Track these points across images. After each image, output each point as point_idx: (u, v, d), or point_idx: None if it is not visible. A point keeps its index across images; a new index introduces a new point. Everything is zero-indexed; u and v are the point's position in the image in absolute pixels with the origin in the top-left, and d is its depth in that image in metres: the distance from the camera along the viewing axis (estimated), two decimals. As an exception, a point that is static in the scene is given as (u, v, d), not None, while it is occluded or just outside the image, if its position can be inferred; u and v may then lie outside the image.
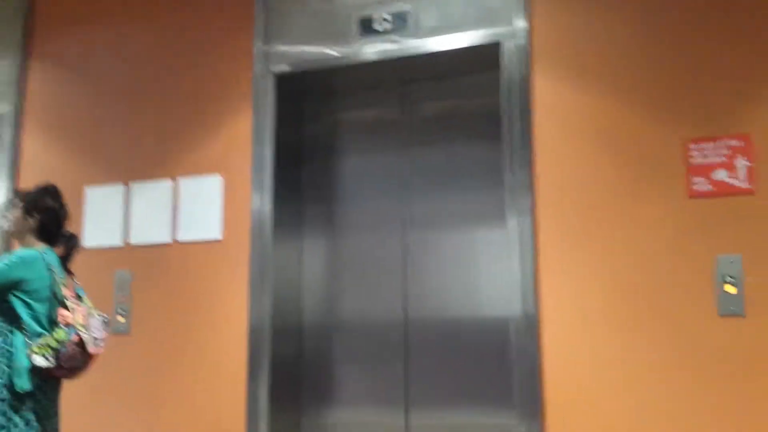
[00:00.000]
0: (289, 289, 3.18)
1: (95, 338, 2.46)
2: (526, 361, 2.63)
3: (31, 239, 2.56)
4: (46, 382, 2.42)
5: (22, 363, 2.34)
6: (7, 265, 2.40)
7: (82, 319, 2.44)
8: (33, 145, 3.59)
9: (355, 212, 3.24)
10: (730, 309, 2.46)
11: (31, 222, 2.54)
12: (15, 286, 2.40)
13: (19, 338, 2.38)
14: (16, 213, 2.56)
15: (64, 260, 2.59)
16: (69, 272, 2.60)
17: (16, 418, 2.32)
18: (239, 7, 3.30)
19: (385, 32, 3.05)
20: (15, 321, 2.41)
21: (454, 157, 3.13)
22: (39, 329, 2.41)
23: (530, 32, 2.84)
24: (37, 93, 3.64)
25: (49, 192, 2.61)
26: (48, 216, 2.56)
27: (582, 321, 2.62)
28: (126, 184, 3.37)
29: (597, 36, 2.76)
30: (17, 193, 2.63)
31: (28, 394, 2.35)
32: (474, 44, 2.92)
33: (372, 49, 3.05)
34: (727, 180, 2.55)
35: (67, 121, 3.54)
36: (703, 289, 2.50)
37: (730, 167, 2.55)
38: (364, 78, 3.25)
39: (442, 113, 3.19)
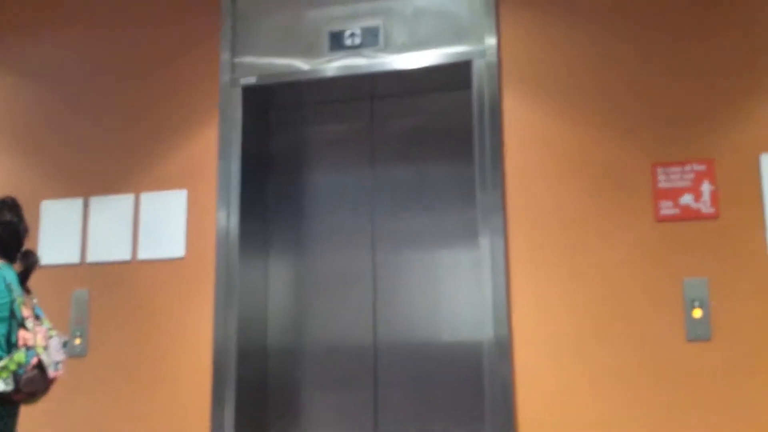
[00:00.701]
0: (254, 309, 3.09)
1: (55, 361, 2.34)
2: (499, 385, 2.61)
3: None
4: (3, 406, 2.28)
5: (-22, 386, 2.20)
6: None
7: (42, 340, 2.31)
8: (-16, 154, 3.40)
9: (323, 229, 3.18)
10: (697, 333, 2.49)
11: None
12: None
13: (-24, 362, 2.24)
14: None
15: (22, 278, 2.45)
16: (27, 290, 2.47)
17: (-29, 447, 2.19)
18: (206, 16, 3.20)
19: (355, 47, 3.00)
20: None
21: (423, 174, 3.11)
22: (-1, 352, 2.27)
23: (500, 51, 2.83)
24: (-12, 99, 3.45)
25: (7, 204, 2.47)
26: (6, 230, 2.41)
27: (553, 343, 2.62)
28: (85, 198, 3.22)
29: (566, 57, 2.78)
30: None
31: None
32: (444, 62, 2.90)
33: (341, 64, 3.00)
34: (693, 204, 2.59)
35: (23, 130, 3.37)
36: (672, 313, 2.53)
37: (695, 191, 2.59)
38: (332, 92, 3.20)
39: (411, 130, 3.17)
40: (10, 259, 2.44)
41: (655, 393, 2.50)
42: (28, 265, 2.47)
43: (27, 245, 2.53)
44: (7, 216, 2.44)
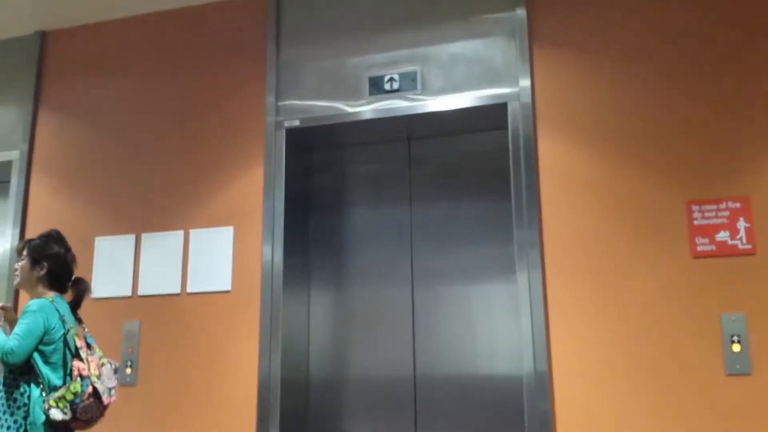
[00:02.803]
0: (296, 341, 3.10)
1: (109, 388, 2.37)
2: (538, 419, 2.57)
3: (41, 288, 2.47)
4: (60, 433, 2.31)
5: (38, 417, 2.24)
6: (31, 321, 2.30)
7: (95, 369, 2.35)
8: (41, 194, 3.50)
9: (363, 265, 3.20)
10: (737, 368, 2.43)
11: (39, 270, 2.44)
12: (41, 338, 2.30)
13: (35, 391, 2.28)
14: (23, 263, 2.46)
15: (73, 307, 2.49)
16: (79, 320, 2.51)
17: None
18: (251, 62, 3.29)
19: (394, 91, 3.06)
20: (31, 373, 2.30)
21: (460, 212, 3.12)
22: (56, 381, 2.31)
23: (533, 93, 2.86)
24: (46, 141, 3.57)
25: (53, 237, 2.54)
26: (56, 262, 2.48)
27: (592, 378, 2.58)
28: (137, 234, 3.28)
29: (599, 97, 2.80)
30: (22, 243, 2.54)
31: None
32: (480, 104, 2.93)
33: (380, 107, 3.05)
34: (729, 241, 2.56)
35: (78, 170, 3.47)
36: (710, 348, 2.49)
37: (731, 228, 2.56)
38: (372, 134, 3.25)
39: (448, 169, 3.19)
40: (62, 289, 2.49)
41: (695, 427, 2.44)
42: (78, 292, 2.51)
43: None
44: (55, 248, 2.49)
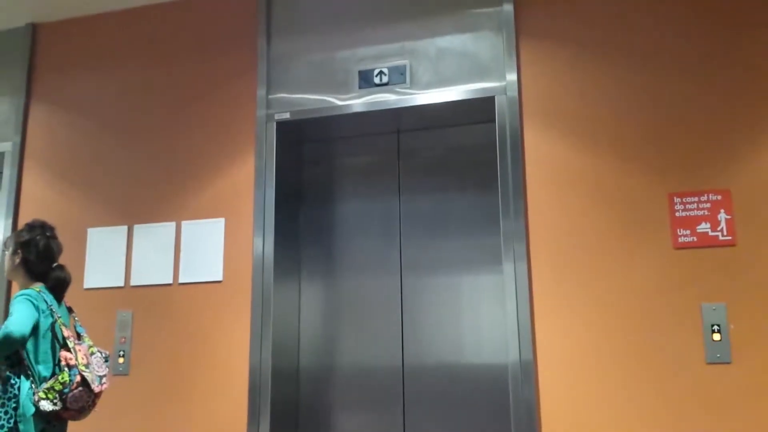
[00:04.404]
0: (287, 331, 3.09)
1: (99, 376, 2.33)
2: (523, 406, 2.57)
3: (24, 278, 2.42)
4: (51, 424, 2.28)
5: (28, 409, 2.21)
6: (20, 307, 2.25)
7: (83, 358, 2.31)
8: (34, 185, 3.46)
9: (352, 256, 3.18)
10: (717, 356, 2.44)
11: (17, 259, 2.40)
12: (37, 323, 2.25)
13: (25, 383, 2.24)
14: (8, 253, 2.42)
15: (57, 295, 2.43)
16: (69, 310, 2.47)
17: (24, 463, 2.19)
18: (242, 55, 3.26)
19: (383, 84, 3.03)
20: (20, 365, 2.26)
21: (448, 204, 3.11)
22: (44, 372, 2.27)
23: (520, 87, 2.84)
24: (38, 132, 3.52)
25: (35, 227, 2.46)
26: (33, 251, 2.40)
27: (576, 366, 2.58)
28: (129, 226, 3.25)
29: (584, 91, 2.79)
30: (10, 234, 2.49)
31: None
32: (467, 98, 2.92)
33: (370, 100, 3.03)
34: (710, 232, 2.56)
35: (70, 162, 3.43)
36: (692, 337, 2.49)
37: (712, 220, 2.56)
38: (361, 127, 3.23)
39: (436, 161, 3.17)
40: (45, 279, 2.42)
41: (677, 414, 2.45)
42: (56, 278, 2.42)
43: (74, 270, 2.53)
44: (30, 236, 2.41)
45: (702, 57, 2.68)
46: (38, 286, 2.38)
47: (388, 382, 3.01)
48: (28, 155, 3.50)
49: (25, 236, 2.42)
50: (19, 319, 2.21)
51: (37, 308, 2.28)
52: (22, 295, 2.31)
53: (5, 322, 2.25)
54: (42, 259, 2.42)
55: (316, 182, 3.31)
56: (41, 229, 2.46)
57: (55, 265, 2.46)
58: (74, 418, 2.31)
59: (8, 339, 2.17)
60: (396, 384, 3.01)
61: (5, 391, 2.25)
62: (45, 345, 2.31)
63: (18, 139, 3.51)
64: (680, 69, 2.70)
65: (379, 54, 3.07)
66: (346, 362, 3.09)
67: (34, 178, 3.46)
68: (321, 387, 3.10)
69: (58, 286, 2.44)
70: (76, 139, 3.45)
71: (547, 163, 2.77)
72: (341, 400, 3.06)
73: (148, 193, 3.27)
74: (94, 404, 2.33)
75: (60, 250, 2.49)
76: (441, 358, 2.98)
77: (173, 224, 3.18)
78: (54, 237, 2.48)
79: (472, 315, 2.97)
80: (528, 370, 2.60)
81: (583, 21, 2.84)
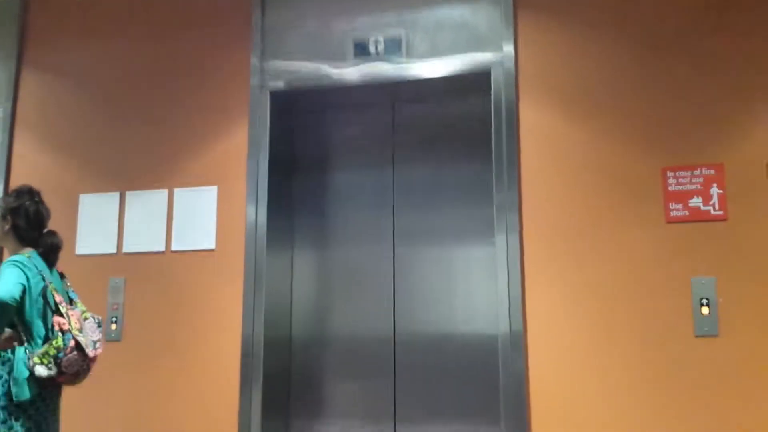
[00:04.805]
0: (279, 300, 3.09)
1: (93, 341, 2.32)
2: (512, 376, 2.59)
3: (14, 244, 2.38)
4: (47, 389, 2.27)
5: (21, 373, 2.19)
6: (7, 272, 2.22)
7: (76, 323, 2.30)
8: (25, 151, 3.42)
9: (345, 226, 3.17)
10: (705, 329, 2.45)
11: (5, 225, 2.37)
12: (23, 294, 2.23)
13: (19, 349, 2.22)
14: None
15: (49, 261, 2.41)
16: (62, 275, 2.45)
17: (17, 426, 2.19)
18: (236, 24, 3.21)
19: (378, 55, 2.99)
20: (13, 330, 2.24)
21: (442, 175, 3.09)
22: (38, 338, 2.25)
23: (516, 59, 2.81)
24: (30, 99, 3.47)
25: (23, 192, 2.43)
26: (22, 217, 2.37)
27: (565, 338, 2.59)
28: (121, 192, 3.22)
29: (580, 65, 2.77)
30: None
31: (30, 402, 2.22)
32: (463, 70, 2.88)
33: (365, 71, 2.99)
34: (702, 207, 2.55)
35: (62, 128, 3.39)
36: (681, 310, 2.51)
37: (704, 195, 2.56)
38: (356, 97, 3.20)
39: (431, 133, 3.15)
40: (35, 244, 2.40)
41: (664, 386, 2.47)
42: (47, 244, 2.39)
43: (66, 235, 2.50)
44: (19, 202, 2.38)
45: (697, 31, 2.66)
46: (28, 252, 2.35)
47: (380, 351, 3.02)
48: (19, 121, 3.45)
49: (14, 202, 2.39)
50: (7, 284, 2.19)
51: (25, 273, 2.26)
52: (10, 260, 2.29)
53: None
54: (32, 224, 2.40)
55: (309, 152, 3.28)
56: (29, 195, 2.43)
57: (46, 230, 2.44)
58: (70, 383, 2.30)
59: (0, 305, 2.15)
60: (387, 353, 3.02)
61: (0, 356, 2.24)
62: (38, 309, 2.29)
63: (9, 105, 3.45)
64: (675, 43, 2.68)
65: (375, 23, 3.03)
66: (338, 332, 3.09)
67: (25, 145, 3.42)
68: (313, 356, 3.11)
69: (51, 252, 2.42)
70: (68, 106, 3.40)
71: (542, 135, 2.75)
72: (333, 370, 3.07)
73: (141, 160, 3.23)
74: (89, 369, 2.32)
75: (48, 216, 2.47)
76: (432, 328, 2.99)
77: (165, 191, 3.16)
78: (42, 202, 2.45)
79: (464, 285, 2.98)
80: (518, 341, 2.60)
81: (581, -8, 2.80)
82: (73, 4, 3.49)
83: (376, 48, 3.01)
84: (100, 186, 3.27)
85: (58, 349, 2.22)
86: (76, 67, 3.42)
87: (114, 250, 3.18)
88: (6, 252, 2.49)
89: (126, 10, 3.40)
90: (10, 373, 2.21)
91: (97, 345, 2.35)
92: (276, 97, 3.10)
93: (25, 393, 2.18)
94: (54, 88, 3.44)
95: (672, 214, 2.57)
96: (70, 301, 2.42)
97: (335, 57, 3.05)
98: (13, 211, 2.38)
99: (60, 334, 2.25)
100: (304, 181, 3.26)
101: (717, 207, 2.54)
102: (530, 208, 2.71)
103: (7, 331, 2.24)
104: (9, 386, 2.19)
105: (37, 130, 3.42)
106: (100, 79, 3.38)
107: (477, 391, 2.86)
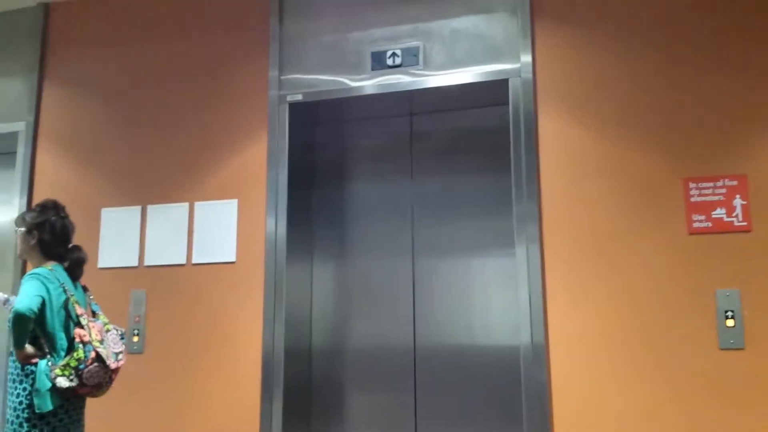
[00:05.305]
0: (299, 311, 3.08)
1: (115, 353, 2.33)
2: (535, 388, 2.56)
3: (38, 258, 2.40)
4: (69, 401, 2.28)
5: (43, 384, 2.21)
6: (28, 285, 2.24)
7: (97, 335, 2.31)
8: (48, 165, 3.45)
9: (364, 237, 3.16)
10: (730, 342, 2.41)
11: (31, 240, 2.38)
12: (43, 306, 2.24)
13: (42, 360, 2.24)
14: (21, 233, 2.41)
15: (73, 275, 2.42)
16: (84, 288, 2.46)
17: (40, 438, 2.20)
18: (255, 36, 3.22)
19: (396, 66, 2.98)
20: (36, 343, 2.26)
21: (461, 186, 3.08)
22: (61, 350, 2.26)
23: (534, 69, 2.79)
24: (52, 111, 3.50)
25: (48, 207, 2.45)
26: (47, 231, 2.39)
27: (588, 350, 2.56)
28: (143, 206, 3.23)
29: (599, 75, 2.74)
30: (20, 214, 2.47)
31: (52, 413, 2.23)
32: (481, 80, 2.87)
33: (383, 82, 2.98)
34: (725, 218, 2.52)
35: (83, 141, 3.41)
36: (705, 323, 2.47)
37: (727, 206, 2.52)
38: (374, 108, 3.19)
39: (449, 144, 3.14)
40: (60, 258, 2.41)
41: (688, 399, 2.43)
42: (73, 259, 2.42)
43: (88, 249, 2.52)
44: (45, 217, 2.40)
45: (718, 40, 2.62)
46: (51, 265, 2.37)
47: (400, 362, 3.01)
48: (42, 134, 3.48)
49: (39, 217, 2.41)
50: (26, 297, 2.20)
51: (46, 286, 2.27)
52: (31, 273, 2.31)
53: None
54: (58, 239, 2.42)
55: (328, 164, 3.28)
56: (55, 210, 2.44)
57: (71, 245, 2.46)
58: (92, 395, 2.31)
59: (18, 317, 2.17)
60: (407, 365, 3.00)
61: (23, 368, 2.25)
62: (60, 322, 2.30)
63: (32, 118, 3.48)
64: (697, 52, 2.64)
65: (393, 35, 3.02)
66: (358, 343, 3.08)
67: (48, 157, 3.44)
68: (333, 367, 3.10)
69: (77, 267, 2.44)
70: (89, 119, 3.42)
71: (561, 146, 2.73)
72: (353, 381, 3.06)
73: (162, 174, 3.25)
74: (111, 380, 2.33)
75: (73, 230, 2.49)
76: (453, 340, 2.97)
77: (186, 205, 3.17)
78: (67, 217, 2.47)
79: (483, 297, 2.95)
80: (539, 353, 2.58)
81: (598, 2, 2.78)
82: (94, 18, 3.51)
83: (394, 59, 3.00)
84: (121, 200, 3.29)
85: (79, 360, 2.23)
86: (97, 80, 3.45)
87: (136, 263, 3.19)
88: (29, 266, 2.51)
89: (145, 21, 3.42)
90: (33, 385, 2.23)
91: (120, 357, 2.36)
92: (294, 109, 3.10)
93: (47, 405, 2.20)
94: (75, 101, 3.47)
95: (694, 225, 2.54)
96: (93, 314, 2.44)
97: (353, 69, 3.04)
98: (38, 226, 2.39)
99: (81, 345, 2.26)
100: (323, 193, 3.26)
101: (741, 218, 2.50)
102: (550, 219, 2.68)
103: (29, 348, 2.25)
104: (32, 398, 2.21)
105: (59, 142, 3.44)
106: (120, 92, 3.40)
107: (498, 403, 2.83)
